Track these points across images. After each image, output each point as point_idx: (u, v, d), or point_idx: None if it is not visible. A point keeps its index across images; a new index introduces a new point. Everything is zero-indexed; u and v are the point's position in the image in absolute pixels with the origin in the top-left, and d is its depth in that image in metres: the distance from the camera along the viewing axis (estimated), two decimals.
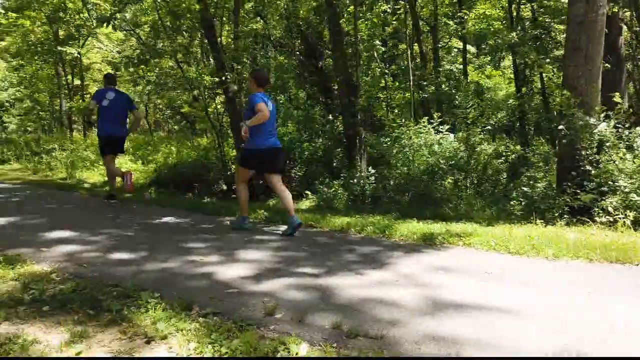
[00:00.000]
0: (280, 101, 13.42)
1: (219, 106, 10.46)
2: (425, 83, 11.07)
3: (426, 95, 10.57)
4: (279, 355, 2.21)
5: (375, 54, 9.24)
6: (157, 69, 11.78)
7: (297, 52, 13.17)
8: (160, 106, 24.44)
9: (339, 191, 7.08)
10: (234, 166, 10.26)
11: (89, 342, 2.29)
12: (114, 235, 4.70)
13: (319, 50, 12.95)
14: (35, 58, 16.22)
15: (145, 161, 11.47)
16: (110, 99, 6.61)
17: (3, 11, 15.13)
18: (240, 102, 8.77)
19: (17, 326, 2.46)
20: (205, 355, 2.19)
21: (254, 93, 4.99)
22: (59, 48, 14.27)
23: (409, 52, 9.56)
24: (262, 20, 15.58)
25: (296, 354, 2.22)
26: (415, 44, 12.60)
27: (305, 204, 7.36)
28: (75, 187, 8.95)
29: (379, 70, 9.27)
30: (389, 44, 12.66)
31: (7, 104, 24.53)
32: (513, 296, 2.99)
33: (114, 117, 6.67)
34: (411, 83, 8.68)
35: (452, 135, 7.18)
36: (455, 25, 13.18)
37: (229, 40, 12.14)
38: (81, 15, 14.77)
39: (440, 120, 7.36)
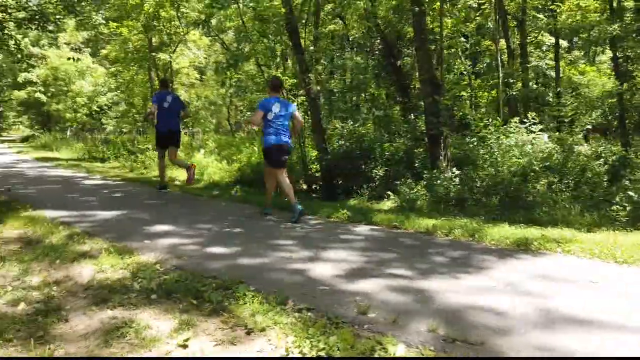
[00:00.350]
0: (359, 101, 13.39)
1: (298, 107, 10.68)
2: (512, 80, 10.54)
3: (514, 93, 10.05)
4: (376, 354, 2.20)
5: (460, 51, 8.95)
6: (241, 72, 12.26)
7: (377, 52, 13.10)
8: (241, 108, 25.43)
9: (422, 192, 6.93)
10: (313, 166, 10.43)
11: (195, 330, 2.42)
12: (207, 230, 4.95)
13: (397, 49, 12.80)
14: (132, 64, 17.51)
15: (230, 161, 11.95)
16: (169, 102, 7.57)
17: (104, 21, 16.51)
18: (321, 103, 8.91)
19: (130, 312, 2.65)
20: (304, 350, 2.23)
21: (267, 97, 5.87)
22: (153, 54, 15.30)
23: (497, 48, 9.12)
24: (341, 21, 15.69)
25: (393, 354, 2.20)
26: (502, 40, 12.04)
27: (386, 204, 7.28)
28: (167, 185, 9.53)
29: (463, 67, 8.97)
30: (470, 40, 12.22)
31: (105, 107, 26.76)
32: (624, 308, 2.75)
33: (171, 116, 7.66)
34: (500, 80, 8.27)
35: (545, 136, 6.75)
36: (545, 19, 12.43)
37: (308, 42, 12.35)
38: (172, 23, 15.75)
39: (534, 120, 6.92)
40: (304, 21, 10.08)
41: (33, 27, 9.26)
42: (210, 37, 19.64)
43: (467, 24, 10.98)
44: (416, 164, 8.04)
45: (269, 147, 5.72)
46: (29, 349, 2.19)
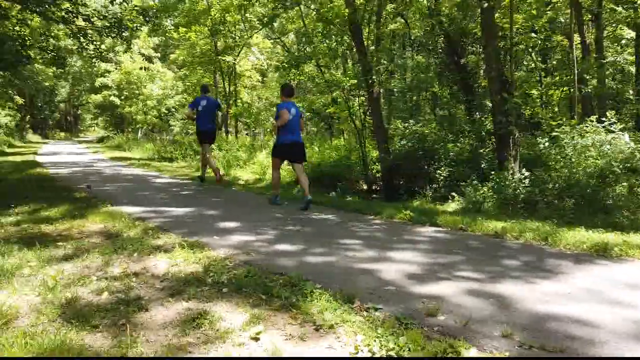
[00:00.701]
0: (419, 101, 13.16)
1: (358, 108, 10.64)
2: (587, 77, 9.92)
3: (589, 91, 9.46)
4: (448, 356, 2.15)
5: (530, 48, 8.54)
6: (301, 72, 12.42)
7: (440, 50, 12.81)
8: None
9: (489, 194, 6.69)
10: (374, 166, 10.37)
11: (265, 324, 2.48)
12: (272, 227, 5.05)
13: (461, 47, 12.45)
14: (198, 68, 18.22)
15: None
16: (203, 105, 8.35)
17: (173, 27, 17.32)
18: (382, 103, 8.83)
19: (203, 304, 2.76)
20: (373, 349, 2.22)
21: (282, 102, 6.67)
22: (218, 57, 15.85)
23: (572, 43, 8.60)
24: (402, 20, 15.49)
25: (467, 358, 2.14)
26: (576, 34, 11.37)
27: (451, 206, 7.10)
28: (231, 183, 9.85)
29: (534, 64, 8.56)
30: (539, 35, 11.66)
31: (173, 109, 28.03)
32: None
33: (206, 117, 8.44)
34: (575, 77, 7.79)
35: (626, 136, 6.29)
36: (624, 11, 11.60)
37: (369, 42, 12.32)
38: (237, 27, 16.24)
39: (613, 120, 6.46)
40: (365, 21, 10.05)
41: (113, 35, 9.94)
42: (272, 40, 20.06)
43: (538, 18, 10.47)
44: (483, 165, 7.78)
45: (285, 143, 6.49)
46: (114, 336, 2.33)
